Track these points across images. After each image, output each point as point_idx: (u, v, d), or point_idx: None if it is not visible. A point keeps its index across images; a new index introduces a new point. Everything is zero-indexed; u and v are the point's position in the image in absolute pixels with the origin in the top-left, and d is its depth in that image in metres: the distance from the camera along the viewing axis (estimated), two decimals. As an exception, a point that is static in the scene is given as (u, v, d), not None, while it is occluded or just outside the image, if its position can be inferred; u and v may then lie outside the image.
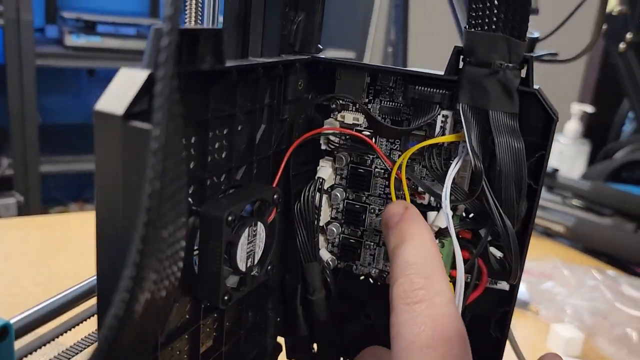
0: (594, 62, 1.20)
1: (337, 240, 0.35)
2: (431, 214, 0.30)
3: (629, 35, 0.79)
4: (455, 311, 0.25)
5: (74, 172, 1.68)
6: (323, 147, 0.33)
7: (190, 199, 0.26)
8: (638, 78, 0.80)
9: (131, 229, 0.19)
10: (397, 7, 0.93)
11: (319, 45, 0.32)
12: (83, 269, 0.70)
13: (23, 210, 1.53)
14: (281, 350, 0.36)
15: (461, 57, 0.29)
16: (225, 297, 0.27)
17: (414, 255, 0.26)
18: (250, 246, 0.28)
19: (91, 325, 0.30)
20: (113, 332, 0.14)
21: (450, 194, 0.30)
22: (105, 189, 0.20)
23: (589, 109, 1.17)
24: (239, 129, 0.28)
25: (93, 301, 0.31)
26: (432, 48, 1.45)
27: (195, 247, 0.26)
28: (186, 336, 0.28)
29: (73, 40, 1.55)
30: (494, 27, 0.27)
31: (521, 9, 0.26)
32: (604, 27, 0.79)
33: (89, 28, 1.61)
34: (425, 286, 0.25)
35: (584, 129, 1.18)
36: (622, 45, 0.79)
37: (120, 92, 0.19)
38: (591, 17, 0.67)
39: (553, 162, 1.14)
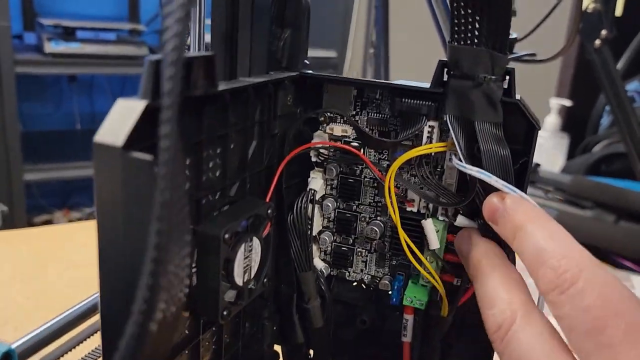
0: (570, 57, 1.22)
1: (329, 248, 0.36)
2: (426, 223, 0.31)
3: (603, 32, 0.80)
4: (607, 275, 0.22)
5: (58, 180, 1.67)
6: (313, 159, 0.34)
7: (187, 219, 0.26)
8: (613, 73, 0.82)
9: (134, 254, 0.20)
10: (377, 8, 0.93)
11: (306, 61, 0.33)
12: (73, 281, 0.70)
13: (7, 220, 1.51)
14: (278, 358, 0.37)
15: (445, 70, 0.30)
16: (225, 312, 0.27)
17: (539, 240, 0.24)
18: (247, 261, 0.29)
19: (88, 345, 0.30)
20: (130, 351, 0.15)
21: (444, 198, 0.31)
22: (106, 219, 0.20)
23: (567, 102, 1.19)
24: (232, 147, 0.29)
25: (91, 321, 0.32)
26: (413, 49, 1.47)
27: (193, 265, 0.27)
28: (186, 352, 0.28)
29: (52, 46, 1.53)
30: (476, 41, 0.28)
31: (502, 25, 0.27)
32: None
33: (68, 34, 1.60)
34: (568, 266, 0.22)
35: (563, 123, 1.20)
36: (597, 42, 0.81)
37: (118, 123, 0.20)
38: (564, 15, 0.68)
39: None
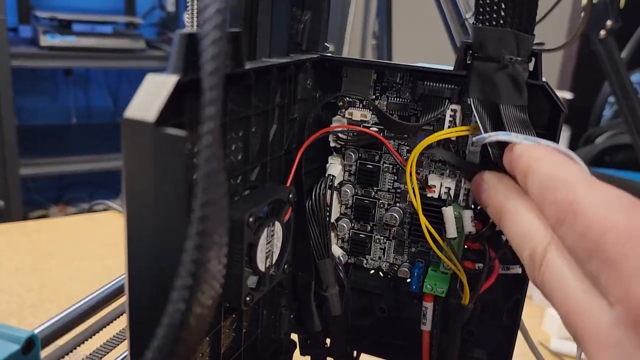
0: (572, 49, 1.22)
1: (347, 235, 0.35)
2: (447, 210, 0.31)
3: (609, 23, 0.80)
4: (600, 191, 0.21)
5: (54, 174, 1.66)
6: (332, 144, 0.34)
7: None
8: (618, 64, 0.82)
9: (165, 233, 0.19)
10: (380, -1, 0.93)
11: (326, 44, 0.32)
12: (75, 274, 0.69)
13: (4, 214, 1.50)
14: (296, 347, 0.36)
15: (469, 52, 0.29)
16: (247, 298, 0.27)
17: (541, 180, 0.23)
18: (269, 246, 0.28)
19: (110, 330, 0.30)
20: (168, 342, 0.14)
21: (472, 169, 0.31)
22: (136, 198, 0.20)
23: (568, 95, 1.19)
24: (253, 130, 0.28)
25: (111, 307, 0.31)
26: (416, 40, 1.46)
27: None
28: (208, 338, 0.28)
29: (48, 40, 1.52)
30: (502, 22, 0.27)
31: (528, 4, 0.27)
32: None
33: (64, 27, 1.58)
34: (562, 196, 0.22)
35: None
36: (602, 32, 0.81)
37: (149, 98, 0.19)
38: (565, 6, 0.68)
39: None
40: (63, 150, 1.66)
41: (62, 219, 0.96)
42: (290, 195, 0.29)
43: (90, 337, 0.29)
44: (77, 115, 1.87)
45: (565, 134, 1.19)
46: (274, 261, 0.29)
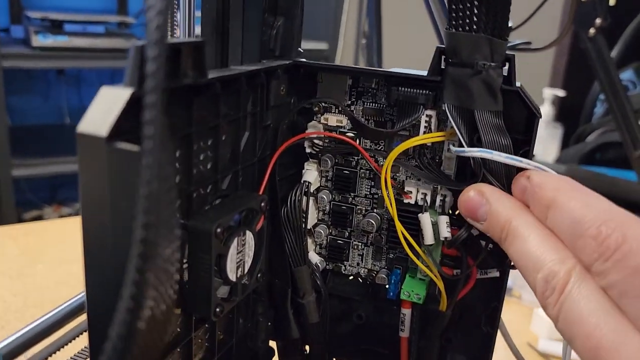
0: (564, 47, 1.22)
1: (324, 242, 0.35)
2: (424, 217, 0.30)
3: (598, 21, 0.80)
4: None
5: (47, 174, 1.65)
6: (308, 150, 0.33)
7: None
8: (608, 62, 0.81)
9: (122, 251, 0.19)
10: (370, -2, 0.92)
11: (300, 49, 0.32)
12: (62, 278, 0.69)
13: (-3, 216, 1.49)
14: (274, 354, 0.36)
15: (443, 57, 0.29)
16: (217, 309, 0.27)
17: (573, 211, 0.22)
18: (240, 255, 0.28)
19: (77, 344, 0.29)
20: (117, 353, 0.14)
21: (447, 184, 0.30)
22: (92, 214, 0.19)
23: (561, 92, 1.19)
24: (223, 138, 0.28)
25: (79, 320, 0.31)
26: (406, 40, 1.46)
27: (184, 260, 0.26)
28: (179, 350, 0.27)
29: (40, 40, 1.51)
30: (475, 27, 0.27)
31: (502, 9, 0.26)
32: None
33: (56, 27, 1.57)
34: (609, 231, 0.21)
35: (556, 113, 1.19)
36: (591, 31, 0.80)
37: (102, 112, 0.19)
38: (557, 3, 0.68)
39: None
40: (56, 150, 1.65)
41: (50, 222, 0.95)
42: (262, 204, 0.29)
43: (58, 350, 0.28)
44: (70, 115, 1.86)
45: (557, 131, 1.19)
46: (246, 270, 0.29)
